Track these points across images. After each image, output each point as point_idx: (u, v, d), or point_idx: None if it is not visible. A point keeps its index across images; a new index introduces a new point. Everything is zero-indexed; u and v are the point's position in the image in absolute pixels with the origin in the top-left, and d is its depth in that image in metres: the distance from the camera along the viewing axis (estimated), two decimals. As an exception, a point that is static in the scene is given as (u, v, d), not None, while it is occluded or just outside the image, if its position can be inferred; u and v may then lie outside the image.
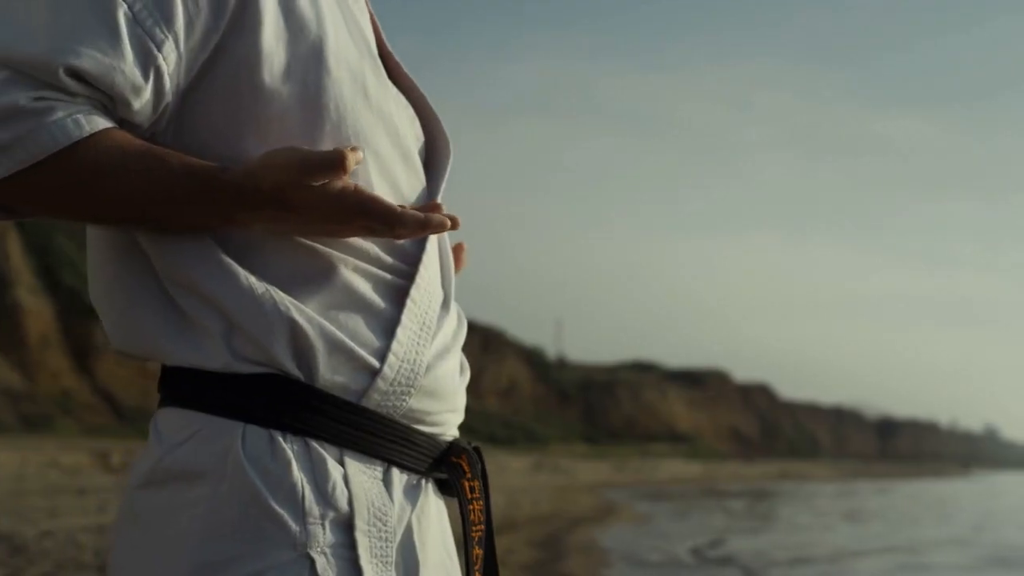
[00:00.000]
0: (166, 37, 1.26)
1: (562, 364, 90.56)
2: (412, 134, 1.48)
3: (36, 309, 43.33)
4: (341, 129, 1.35)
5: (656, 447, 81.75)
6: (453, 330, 1.47)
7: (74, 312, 42.95)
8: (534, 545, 15.65)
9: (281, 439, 1.29)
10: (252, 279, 1.28)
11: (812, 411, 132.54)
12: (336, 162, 1.25)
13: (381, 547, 1.32)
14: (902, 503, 42.11)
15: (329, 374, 1.32)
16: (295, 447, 1.29)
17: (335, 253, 1.34)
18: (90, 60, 1.22)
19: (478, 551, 1.47)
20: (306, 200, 1.26)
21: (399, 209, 1.30)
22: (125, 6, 1.24)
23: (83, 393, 42.88)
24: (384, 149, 1.40)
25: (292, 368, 1.30)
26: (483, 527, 1.47)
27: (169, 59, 1.27)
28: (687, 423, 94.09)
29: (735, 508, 33.37)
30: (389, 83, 1.47)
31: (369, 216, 1.29)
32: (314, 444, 1.30)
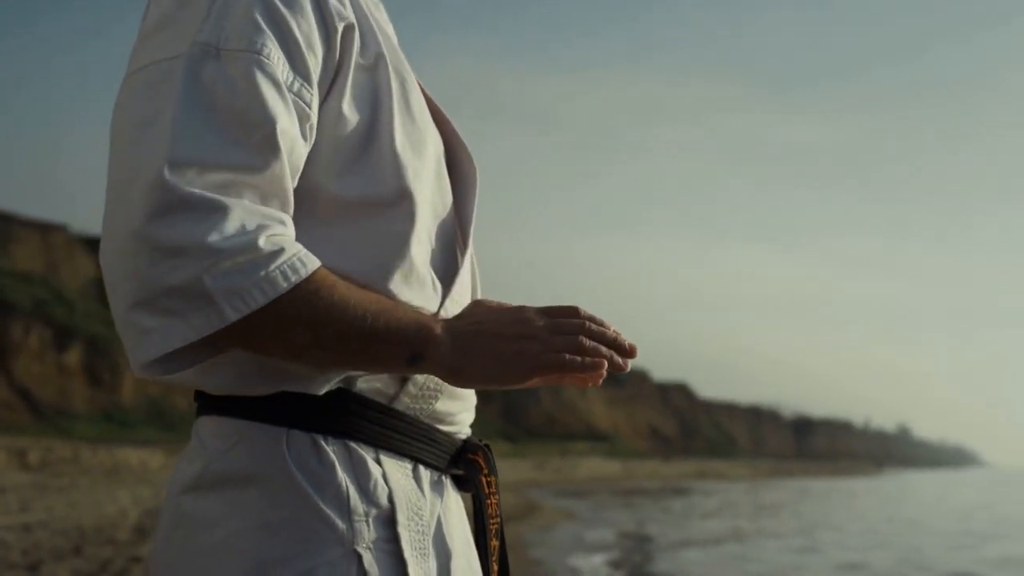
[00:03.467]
0: (312, 95, 1.35)
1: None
2: (439, 149, 1.52)
3: (-49, 306, 42.64)
4: (396, 159, 1.41)
5: (576, 446, 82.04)
6: None
7: (-10, 310, 42.33)
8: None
9: (323, 442, 1.35)
10: None
11: (730, 410, 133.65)
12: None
13: (419, 540, 1.40)
14: (814, 499, 42.90)
15: (365, 380, 1.39)
16: (336, 449, 1.35)
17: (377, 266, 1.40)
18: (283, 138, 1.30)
19: (495, 543, 1.53)
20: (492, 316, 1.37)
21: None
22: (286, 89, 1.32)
23: (0, 391, 42.26)
24: (428, 166, 1.47)
25: (332, 376, 1.37)
26: (499, 520, 1.54)
27: (315, 114, 1.36)
28: (606, 422, 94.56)
29: (652, 504, 33.88)
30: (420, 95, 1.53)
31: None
32: (353, 445, 1.36)
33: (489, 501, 1.51)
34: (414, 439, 1.42)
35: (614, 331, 1.39)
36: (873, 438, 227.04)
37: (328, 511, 1.33)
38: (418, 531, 1.40)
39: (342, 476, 1.34)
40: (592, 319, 1.38)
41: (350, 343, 1.31)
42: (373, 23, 1.46)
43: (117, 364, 47.92)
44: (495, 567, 1.53)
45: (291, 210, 1.32)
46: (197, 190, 1.24)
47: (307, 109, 1.34)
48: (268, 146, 1.29)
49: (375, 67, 1.42)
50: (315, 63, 1.35)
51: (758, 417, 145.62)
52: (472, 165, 1.57)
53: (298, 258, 1.27)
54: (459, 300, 1.48)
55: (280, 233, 1.27)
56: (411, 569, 1.36)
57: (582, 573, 14.32)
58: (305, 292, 1.27)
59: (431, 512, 1.43)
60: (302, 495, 1.33)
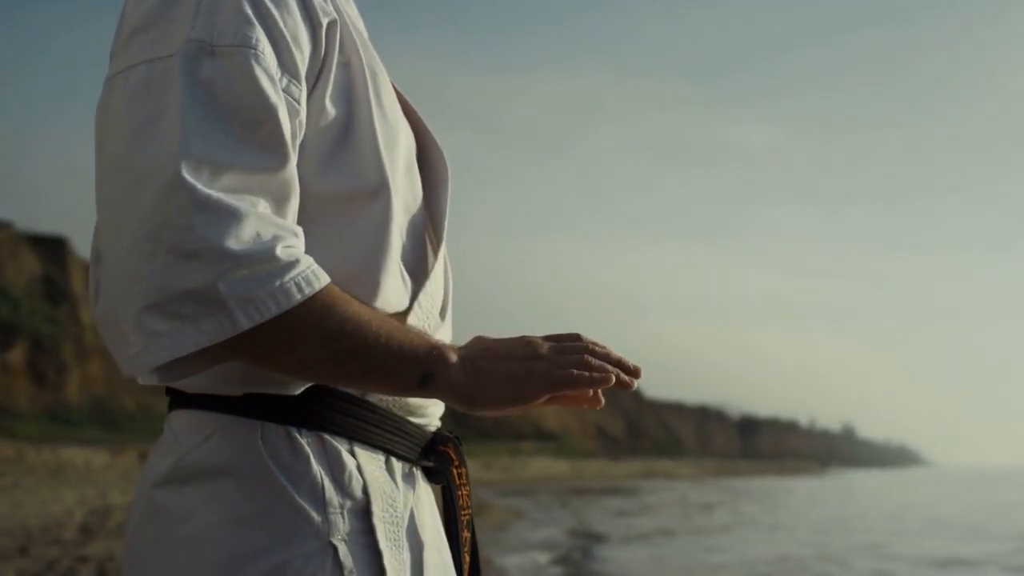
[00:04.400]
0: (300, 91, 1.34)
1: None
2: (411, 143, 1.52)
3: None
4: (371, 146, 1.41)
5: (524, 446, 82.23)
6: (445, 334, 1.53)
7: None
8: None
9: (297, 434, 1.34)
10: None
11: (676, 410, 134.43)
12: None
13: (394, 531, 1.39)
14: (754, 498, 43.32)
15: None
16: (311, 441, 1.35)
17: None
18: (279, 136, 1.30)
19: (466, 534, 1.53)
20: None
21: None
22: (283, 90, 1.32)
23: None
24: (400, 160, 1.46)
25: None
26: (469, 511, 1.54)
27: (303, 110, 1.35)
28: (555, 422, 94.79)
29: (599, 504, 34.12)
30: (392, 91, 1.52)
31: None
32: (327, 437, 1.36)
33: (460, 492, 1.51)
34: (386, 431, 1.42)
35: (617, 354, 1.41)
36: (818, 438, 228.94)
37: (303, 503, 1.32)
38: (392, 522, 1.39)
39: (317, 468, 1.34)
40: (595, 343, 1.40)
41: (363, 361, 1.31)
42: (347, 18, 1.45)
43: (62, 363, 47.53)
44: (467, 558, 1.53)
45: (295, 214, 1.33)
46: (214, 193, 1.22)
47: (296, 105, 1.33)
48: (273, 143, 1.29)
49: (350, 62, 1.42)
50: (302, 59, 1.34)
51: (705, 417, 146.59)
52: (443, 160, 1.57)
53: (312, 271, 1.27)
54: (433, 295, 1.48)
55: (294, 245, 1.27)
56: (386, 561, 1.36)
57: (527, 571, 14.47)
58: (318, 306, 1.27)
59: (404, 504, 1.43)
60: (277, 487, 1.32)
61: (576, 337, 1.40)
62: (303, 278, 1.26)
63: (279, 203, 1.29)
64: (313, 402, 1.36)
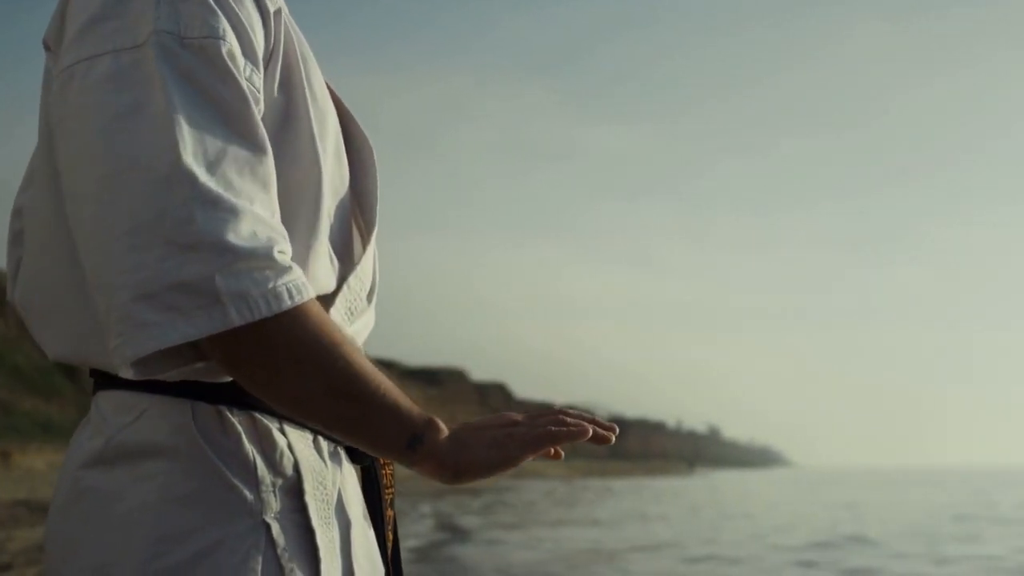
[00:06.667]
0: (260, 79, 1.34)
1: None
2: (337, 128, 1.50)
3: None
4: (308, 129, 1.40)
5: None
6: (370, 318, 1.53)
7: None
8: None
9: (229, 413, 1.33)
10: None
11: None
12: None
13: (324, 509, 1.39)
14: (623, 497, 44.07)
15: None
16: (242, 420, 1.33)
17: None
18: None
19: (391, 512, 1.55)
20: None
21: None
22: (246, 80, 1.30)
23: None
24: (329, 143, 1.45)
25: None
26: (393, 490, 1.55)
27: (262, 96, 1.34)
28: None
29: (467, 502, 34.46)
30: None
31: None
32: (258, 416, 1.35)
33: (384, 472, 1.53)
34: None
35: (591, 416, 1.43)
36: (685, 438, 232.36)
37: (236, 482, 1.31)
38: (323, 500, 1.39)
39: (249, 447, 1.33)
40: (567, 411, 1.43)
41: (354, 404, 1.29)
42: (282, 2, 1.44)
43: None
44: (391, 536, 1.55)
45: (277, 204, 1.32)
46: (214, 186, 1.21)
47: (258, 94, 1.32)
48: (253, 134, 1.29)
49: (288, 48, 1.41)
50: (258, 47, 1.33)
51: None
52: (367, 143, 1.56)
53: (302, 281, 1.26)
54: (363, 278, 1.48)
55: (286, 251, 1.26)
56: (318, 538, 1.36)
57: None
58: (302, 316, 1.25)
59: (333, 482, 1.42)
60: (210, 466, 1.31)
61: (549, 408, 1.44)
62: (294, 286, 1.24)
63: (266, 194, 1.28)
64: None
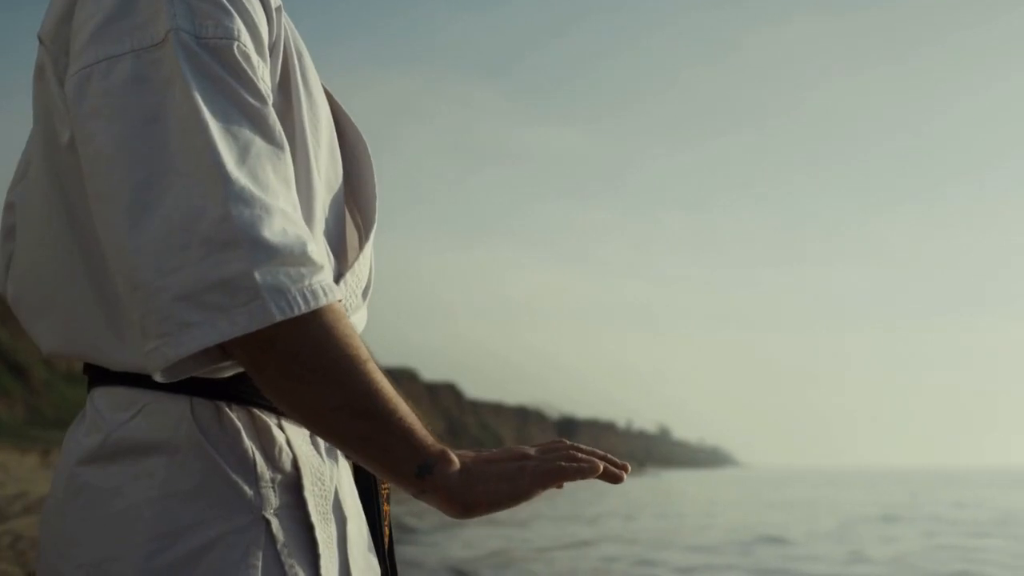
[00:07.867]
0: (268, 76, 1.34)
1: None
2: (331, 123, 1.50)
3: None
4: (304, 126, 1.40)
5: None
6: (363, 315, 1.52)
7: None
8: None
9: (227, 409, 1.31)
10: None
11: (497, 410, 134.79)
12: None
13: (323, 505, 1.38)
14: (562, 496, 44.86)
15: None
16: (240, 415, 1.32)
17: None
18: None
19: (387, 507, 1.54)
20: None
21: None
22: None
23: None
24: (323, 139, 1.45)
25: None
26: (388, 487, 1.54)
27: (270, 94, 1.33)
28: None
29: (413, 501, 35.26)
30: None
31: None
32: (256, 412, 1.34)
33: None
34: None
35: (602, 452, 1.40)
36: (635, 438, 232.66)
37: (235, 477, 1.30)
38: (322, 496, 1.38)
39: (248, 443, 1.33)
40: (578, 446, 1.41)
41: (368, 422, 1.27)
42: None
43: None
44: (387, 531, 1.54)
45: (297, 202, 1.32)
46: (246, 183, 1.21)
47: (269, 92, 1.33)
48: (274, 132, 1.29)
49: (286, 44, 1.40)
50: (265, 44, 1.33)
51: (524, 417, 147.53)
52: (361, 139, 1.56)
53: (331, 281, 1.26)
54: (359, 274, 1.48)
55: (316, 250, 1.25)
56: (317, 534, 1.35)
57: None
58: (332, 316, 1.25)
59: (331, 477, 1.41)
60: (210, 462, 1.30)
61: (560, 442, 1.42)
62: (328, 285, 1.24)
63: (289, 191, 1.28)
64: (241, 377, 1.34)
